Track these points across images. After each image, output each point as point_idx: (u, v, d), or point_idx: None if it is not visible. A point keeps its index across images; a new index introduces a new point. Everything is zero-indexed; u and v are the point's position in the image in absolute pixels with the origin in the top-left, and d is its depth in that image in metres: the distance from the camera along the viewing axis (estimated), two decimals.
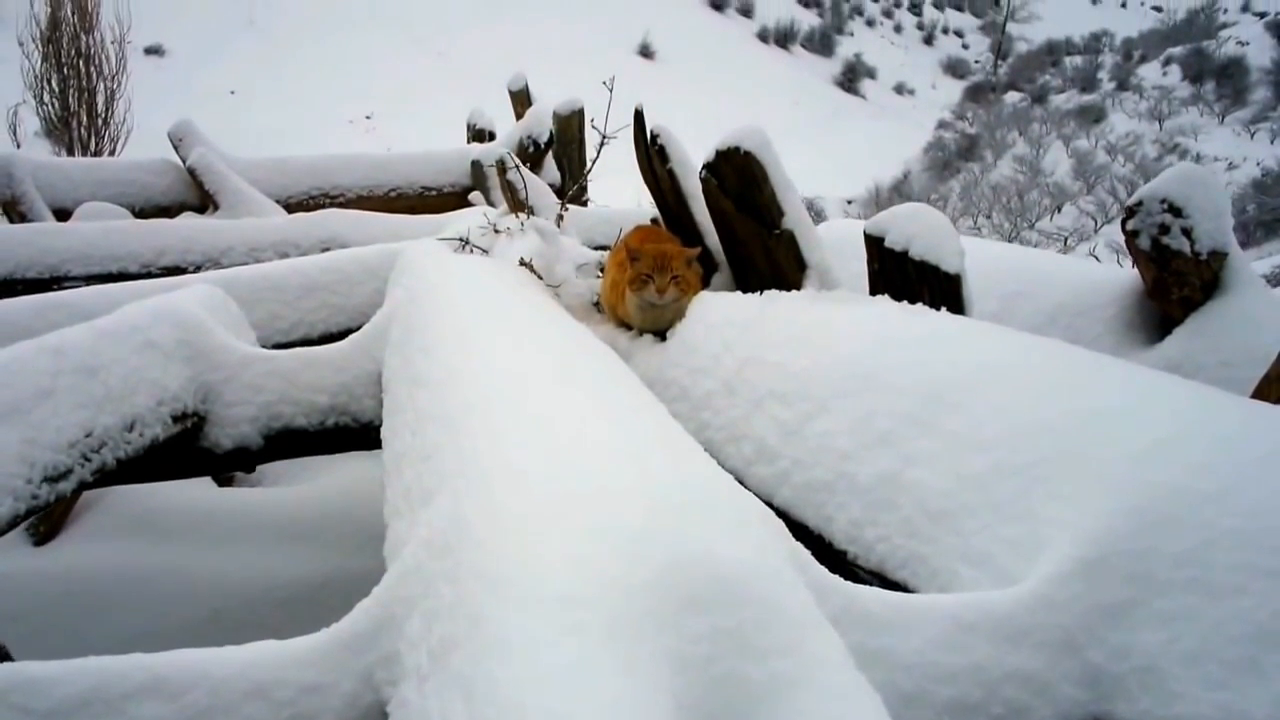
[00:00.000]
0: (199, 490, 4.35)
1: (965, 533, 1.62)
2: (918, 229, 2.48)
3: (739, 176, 2.86)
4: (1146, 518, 1.38)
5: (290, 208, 7.33)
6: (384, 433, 2.30)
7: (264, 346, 3.44)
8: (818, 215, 20.41)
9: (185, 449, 2.78)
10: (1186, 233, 2.62)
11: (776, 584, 1.13)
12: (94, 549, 3.68)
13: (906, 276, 2.48)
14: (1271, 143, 24.22)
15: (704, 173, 3.00)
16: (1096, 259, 14.79)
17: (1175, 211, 2.62)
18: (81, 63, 11.67)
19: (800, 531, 1.93)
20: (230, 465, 2.92)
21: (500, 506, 1.24)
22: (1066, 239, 19.44)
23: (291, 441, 2.92)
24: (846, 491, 1.88)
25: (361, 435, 2.96)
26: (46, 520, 3.81)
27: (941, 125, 36.03)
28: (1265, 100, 27.41)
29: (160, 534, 3.83)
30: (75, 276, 4.90)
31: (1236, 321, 2.63)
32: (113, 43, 12.00)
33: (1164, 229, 2.63)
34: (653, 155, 3.26)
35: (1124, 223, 2.74)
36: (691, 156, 3.31)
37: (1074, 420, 1.61)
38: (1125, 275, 3.02)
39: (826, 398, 2.05)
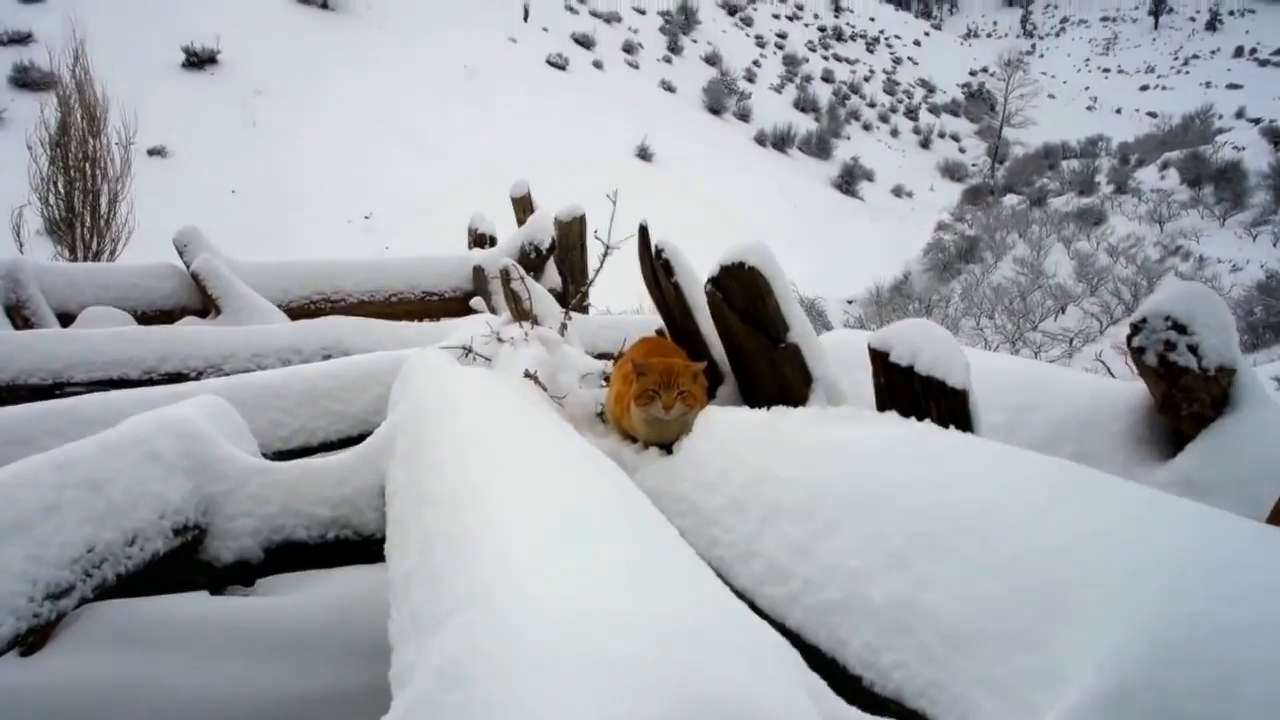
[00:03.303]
0: (190, 598, 4.27)
1: (983, 660, 1.58)
2: (922, 344, 2.48)
3: (744, 290, 2.88)
4: (1168, 649, 1.35)
5: (292, 311, 7.39)
6: (388, 550, 2.27)
7: (265, 454, 3.44)
8: (819, 315, 20.51)
9: (185, 562, 2.75)
10: (1193, 349, 2.61)
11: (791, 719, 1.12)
12: (82, 660, 3.60)
13: (913, 391, 2.48)
14: (1274, 245, 24.57)
15: (709, 286, 3.02)
16: (1104, 363, 14.78)
17: (1180, 329, 2.61)
18: (88, 165, 11.87)
19: (813, 655, 1.90)
20: (230, 579, 2.88)
21: (514, 638, 1.22)
22: (1072, 340, 19.51)
23: (292, 554, 2.89)
24: (860, 614, 1.85)
25: (363, 548, 2.93)
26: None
27: (941, 227, 36.53)
28: (1265, 204, 27.93)
29: (150, 644, 3.75)
30: (78, 383, 4.91)
31: (1250, 438, 2.60)
32: (117, 144, 12.21)
33: (1170, 345, 2.62)
34: (658, 269, 3.29)
35: (1129, 339, 2.73)
36: (693, 261, 3.33)
37: (1089, 545, 1.59)
38: (1133, 389, 3.00)
39: (836, 516, 2.03)
